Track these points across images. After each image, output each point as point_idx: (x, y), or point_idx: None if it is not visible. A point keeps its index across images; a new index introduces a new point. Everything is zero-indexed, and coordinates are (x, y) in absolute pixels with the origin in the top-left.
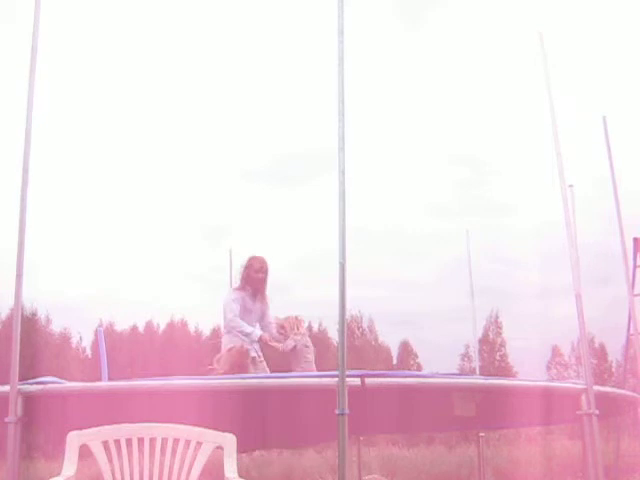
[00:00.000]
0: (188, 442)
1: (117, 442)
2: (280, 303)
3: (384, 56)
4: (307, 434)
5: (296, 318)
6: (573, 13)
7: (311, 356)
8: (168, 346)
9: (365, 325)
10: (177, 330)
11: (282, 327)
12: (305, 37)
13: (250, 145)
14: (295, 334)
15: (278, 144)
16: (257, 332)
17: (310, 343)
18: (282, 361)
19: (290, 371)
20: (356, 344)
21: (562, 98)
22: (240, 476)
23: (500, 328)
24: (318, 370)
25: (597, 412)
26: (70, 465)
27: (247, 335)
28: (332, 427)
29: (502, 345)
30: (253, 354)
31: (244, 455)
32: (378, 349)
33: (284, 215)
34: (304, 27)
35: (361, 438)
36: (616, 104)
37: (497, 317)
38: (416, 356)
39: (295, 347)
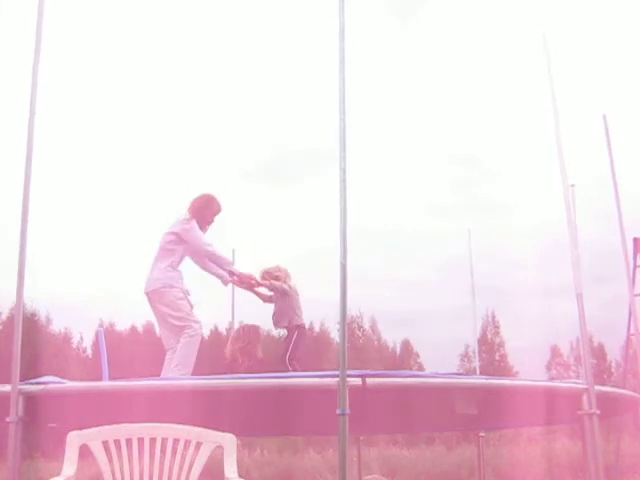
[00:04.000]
0: (188, 442)
1: (117, 442)
2: None
3: (384, 56)
4: (307, 433)
5: (286, 270)
6: (572, 12)
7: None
8: None
9: (367, 325)
10: None
11: (274, 276)
12: (305, 36)
13: (250, 145)
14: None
15: (278, 144)
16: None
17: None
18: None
19: (279, 319)
20: (358, 344)
21: (562, 97)
22: (240, 476)
23: (498, 328)
24: (318, 370)
25: (598, 412)
26: (70, 465)
27: (228, 264)
28: (332, 427)
29: (501, 345)
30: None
31: (244, 455)
32: (380, 349)
33: (285, 214)
34: (304, 26)
35: (361, 438)
36: (616, 103)
37: (494, 317)
38: (417, 356)
39: (288, 291)
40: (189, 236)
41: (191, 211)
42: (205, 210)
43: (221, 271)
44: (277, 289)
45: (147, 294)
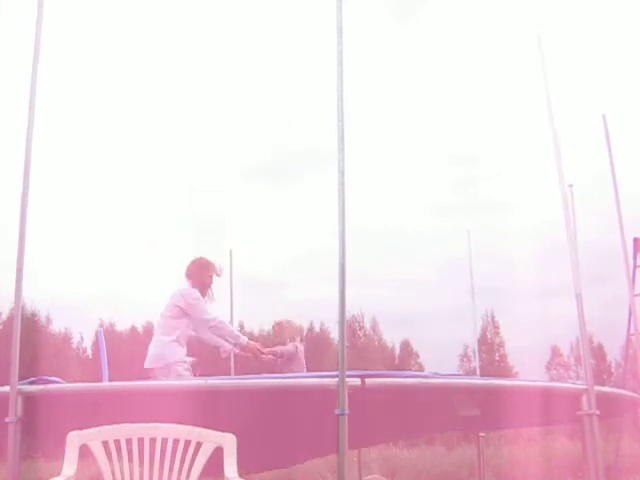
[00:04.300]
0: (188, 442)
1: (117, 442)
2: (281, 302)
3: (383, 55)
4: (307, 434)
5: (299, 327)
6: (572, 11)
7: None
8: None
9: (367, 325)
10: None
11: (284, 328)
12: (304, 36)
13: (250, 145)
14: (295, 341)
15: (278, 143)
16: (243, 337)
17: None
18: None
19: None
20: (358, 344)
21: (562, 97)
22: (240, 476)
23: (497, 328)
24: (318, 370)
25: (598, 412)
26: (70, 465)
27: (236, 338)
28: (332, 427)
29: (501, 345)
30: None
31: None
32: (380, 349)
33: (284, 214)
34: (303, 26)
35: None
36: (616, 102)
37: (493, 317)
38: (417, 356)
39: (296, 352)
40: (194, 311)
41: (190, 279)
42: (202, 274)
43: (222, 341)
44: (283, 355)
45: (149, 370)
